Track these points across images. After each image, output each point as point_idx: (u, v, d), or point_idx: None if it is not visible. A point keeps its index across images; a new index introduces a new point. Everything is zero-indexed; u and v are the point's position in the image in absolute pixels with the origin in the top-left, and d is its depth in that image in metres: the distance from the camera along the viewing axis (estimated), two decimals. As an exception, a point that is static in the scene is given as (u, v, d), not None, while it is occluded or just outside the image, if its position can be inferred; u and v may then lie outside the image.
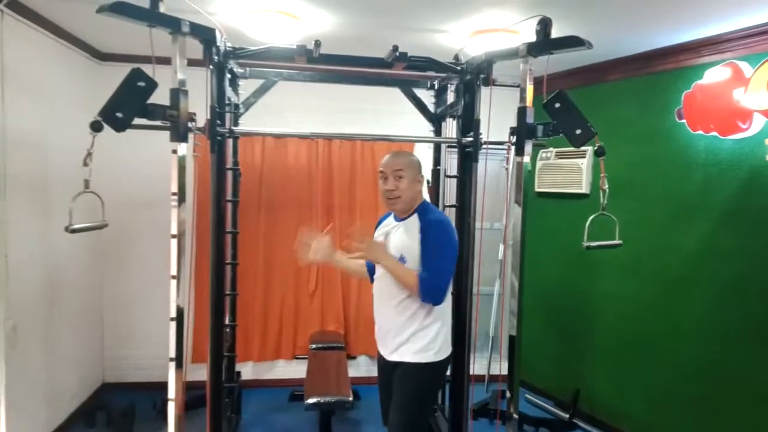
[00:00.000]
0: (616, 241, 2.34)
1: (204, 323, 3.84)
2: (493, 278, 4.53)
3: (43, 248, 3.16)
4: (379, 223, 2.49)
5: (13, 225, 2.79)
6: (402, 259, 2.22)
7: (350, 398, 2.77)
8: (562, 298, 4.17)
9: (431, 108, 3.43)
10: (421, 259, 2.19)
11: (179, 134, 2.18)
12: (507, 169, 2.56)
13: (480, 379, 4.40)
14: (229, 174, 2.95)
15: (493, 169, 4.60)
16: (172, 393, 2.22)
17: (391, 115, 4.12)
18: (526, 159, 2.40)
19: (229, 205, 3.08)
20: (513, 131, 2.43)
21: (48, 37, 3.16)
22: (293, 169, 4.20)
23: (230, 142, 3.07)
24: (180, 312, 2.19)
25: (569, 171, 3.93)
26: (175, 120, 2.15)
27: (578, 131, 2.23)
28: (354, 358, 4.37)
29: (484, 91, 2.67)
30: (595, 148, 2.23)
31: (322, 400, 2.73)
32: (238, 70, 3.10)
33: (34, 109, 3.04)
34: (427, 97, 3.46)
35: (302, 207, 4.22)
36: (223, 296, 2.72)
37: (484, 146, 2.71)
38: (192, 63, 2.18)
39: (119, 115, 2.00)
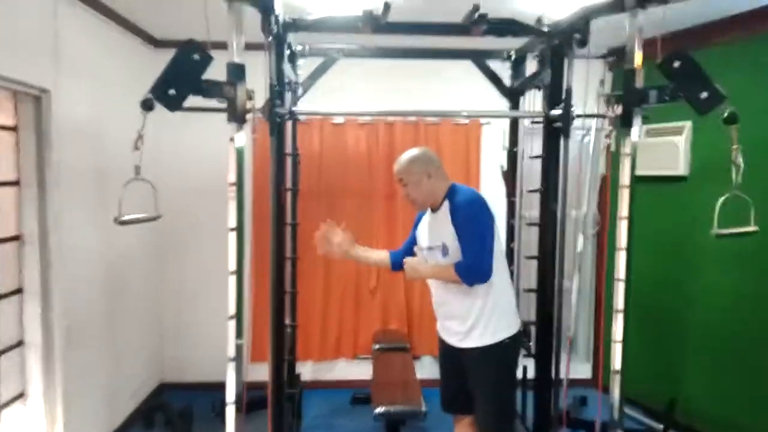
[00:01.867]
0: (751, 227, 1.93)
1: (263, 321, 3.67)
2: (569, 273, 4.12)
3: (100, 242, 3.03)
4: (418, 218, 2.42)
5: (67, 217, 2.66)
6: (444, 248, 2.18)
7: (423, 408, 2.48)
8: (655, 294, 3.72)
9: (507, 82, 3.08)
10: (459, 245, 2.12)
11: (236, 115, 1.94)
12: (609, 143, 2.18)
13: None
14: (289, 160, 2.71)
15: (572, 152, 4.20)
16: (230, 395, 2.01)
17: (461, 95, 3.76)
18: (634, 133, 2.02)
19: (289, 195, 2.85)
20: (613, 99, 2.06)
21: (103, 22, 3.02)
22: (353, 155, 3.94)
23: (289, 125, 2.83)
24: (239, 310, 1.97)
25: (663, 150, 3.47)
26: (233, 99, 1.92)
27: (704, 95, 1.84)
28: (418, 358, 4.08)
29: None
30: (725, 115, 1.83)
31: (392, 410, 2.46)
32: (297, 47, 2.86)
33: (88, 95, 2.90)
34: (502, 71, 3.10)
35: (362, 196, 3.96)
36: (283, 293, 2.49)
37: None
38: (248, 47, 1.93)
39: (172, 92, 1.78)
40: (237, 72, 1.92)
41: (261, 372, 3.60)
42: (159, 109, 1.79)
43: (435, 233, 2.23)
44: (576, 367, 4.23)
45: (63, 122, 2.59)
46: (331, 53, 2.86)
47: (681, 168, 3.37)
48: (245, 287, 2.06)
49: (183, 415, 3.39)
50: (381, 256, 2.49)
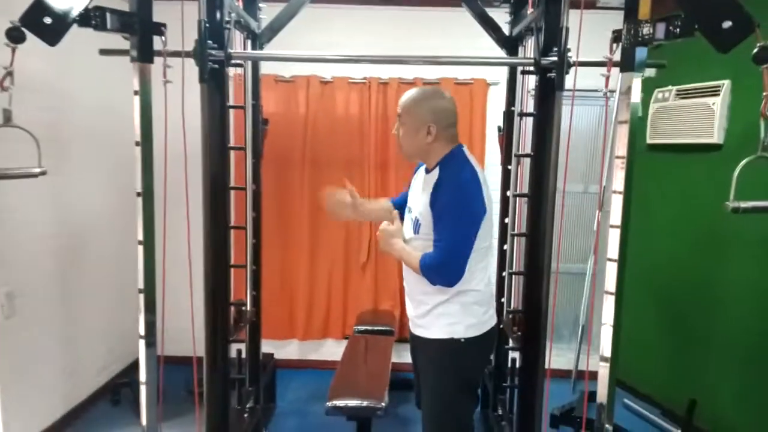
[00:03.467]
0: (782, 201, 1.48)
1: (269, 297, 3.42)
2: (585, 255, 3.68)
3: (51, 205, 2.79)
4: (415, 172, 2.03)
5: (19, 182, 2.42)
6: (416, 223, 1.84)
7: (382, 404, 2.15)
8: (679, 283, 3.25)
9: (506, 30, 2.63)
10: (433, 231, 1.77)
11: (142, 52, 1.63)
12: (607, 96, 1.74)
13: (565, 375, 3.62)
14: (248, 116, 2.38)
15: (591, 118, 3.72)
16: (143, 374, 1.78)
17: (458, 50, 3.34)
18: (636, 82, 1.58)
19: (248, 158, 2.52)
20: (616, 36, 1.63)
21: None
22: (342, 119, 3.58)
23: (246, 77, 2.48)
24: (149, 282, 1.71)
25: (696, 114, 2.95)
26: (134, 30, 1.60)
27: (726, 24, 1.38)
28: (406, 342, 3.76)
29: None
30: (755, 51, 1.37)
31: (348, 404, 2.14)
32: (256, -12, 2.51)
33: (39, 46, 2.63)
34: (501, 17, 2.66)
35: (352, 164, 3.60)
36: (225, 267, 2.18)
37: (578, 91, 1.89)
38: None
39: (48, 20, 1.46)
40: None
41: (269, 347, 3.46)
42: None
43: (416, 199, 1.88)
44: (591, 360, 3.80)
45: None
46: (295, -5, 2.49)
47: (716, 135, 2.85)
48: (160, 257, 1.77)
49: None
50: (384, 207, 2.11)
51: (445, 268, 1.72)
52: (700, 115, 2.92)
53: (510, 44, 2.61)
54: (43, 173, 1.54)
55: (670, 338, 3.30)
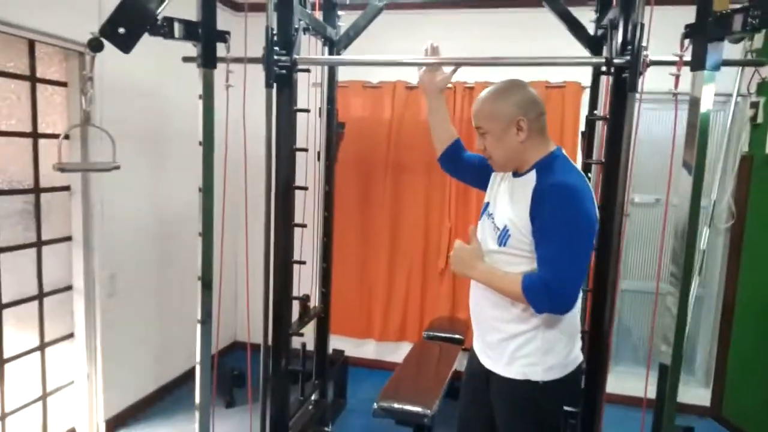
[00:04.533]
0: None
1: (341, 294, 3.54)
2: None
3: (152, 198, 3.11)
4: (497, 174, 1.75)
5: (121, 174, 2.73)
6: (504, 234, 1.54)
7: (429, 412, 2.10)
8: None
9: (591, 29, 2.46)
10: (534, 247, 1.47)
11: (206, 58, 1.76)
12: (675, 95, 1.56)
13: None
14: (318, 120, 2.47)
15: (669, 123, 3.32)
16: (198, 356, 1.90)
17: (549, 51, 3.18)
18: (708, 78, 1.40)
19: (321, 160, 2.61)
20: (688, 32, 1.45)
21: None
22: (425, 124, 3.54)
23: (322, 81, 2.57)
24: (206, 273, 1.84)
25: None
26: (199, 38, 1.73)
27: (814, 13, 1.18)
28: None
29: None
30: None
31: (395, 407, 2.13)
32: (336, -5, 2.58)
33: (136, 51, 2.95)
34: (586, 16, 2.48)
35: (433, 169, 3.57)
36: (288, 262, 2.27)
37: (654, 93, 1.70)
38: None
39: (122, 30, 1.63)
40: (206, 8, 1.73)
41: (337, 344, 3.58)
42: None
43: (503, 205, 1.59)
44: (690, 391, 3.43)
45: (108, 79, 2.64)
46: (372, 1, 2.52)
47: None
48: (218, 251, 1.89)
49: (236, 377, 3.40)
50: (450, 133, 1.96)
51: (558, 291, 1.41)
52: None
53: (594, 44, 2.43)
54: (116, 168, 1.71)
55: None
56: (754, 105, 3.05)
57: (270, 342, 2.25)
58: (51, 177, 2.58)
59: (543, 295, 1.42)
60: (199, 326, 1.91)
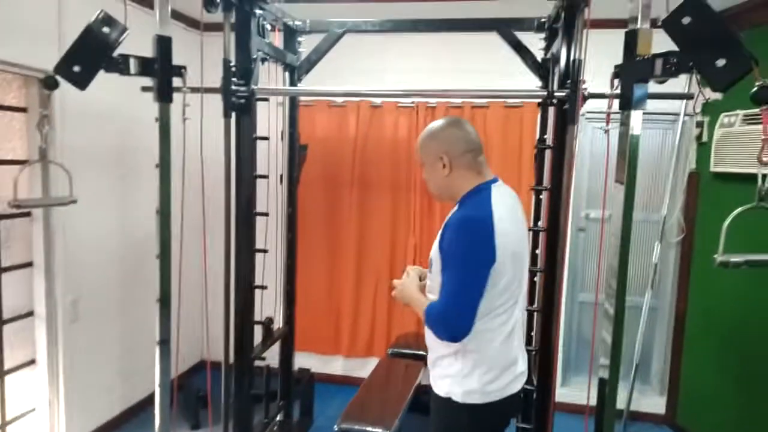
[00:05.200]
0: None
1: (308, 311, 3.58)
2: (640, 287, 3.43)
3: (115, 222, 3.10)
4: None
5: (84, 199, 2.73)
6: (431, 262, 1.65)
7: (390, 431, 2.17)
8: (749, 326, 2.94)
9: (540, 57, 2.57)
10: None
11: (161, 94, 1.80)
12: (606, 131, 1.66)
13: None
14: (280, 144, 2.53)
15: (653, 142, 3.49)
16: (157, 379, 1.92)
17: (508, 71, 3.29)
18: (635, 117, 1.50)
19: (284, 182, 2.66)
20: (617, 72, 1.56)
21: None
22: (390, 142, 3.65)
23: (284, 107, 2.63)
24: (164, 293, 1.87)
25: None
26: (155, 73, 1.77)
27: (721, 62, 1.28)
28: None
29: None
30: (753, 90, 1.26)
31: (356, 428, 2.18)
32: (296, 22, 2.65)
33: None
34: (537, 43, 2.59)
35: (399, 187, 3.66)
36: (250, 288, 2.32)
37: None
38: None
39: (77, 69, 1.67)
40: (162, 45, 1.77)
41: (305, 361, 3.62)
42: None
43: (437, 239, 1.65)
44: (646, 399, 3.55)
45: (68, 104, 2.65)
46: (332, 28, 2.60)
47: (783, 165, 2.58)
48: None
49: (200, 397, 3.40)
50: None
51: (446, 321, 1.50)
52: (765, 143, 2.65)
53: (543, 71, 2.54)
54: (73, 202, 1.74)
55: (738, 386, 2.98)
56: (700, 124, 3.21)
57: (233, 365, 2.29)
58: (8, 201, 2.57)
59: (435, 322, 1.54)
60: (157, 348, 1.93)
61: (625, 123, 1.52)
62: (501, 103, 3.47)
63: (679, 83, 1.48)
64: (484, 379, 1.59)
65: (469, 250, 1.50)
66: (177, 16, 3.42)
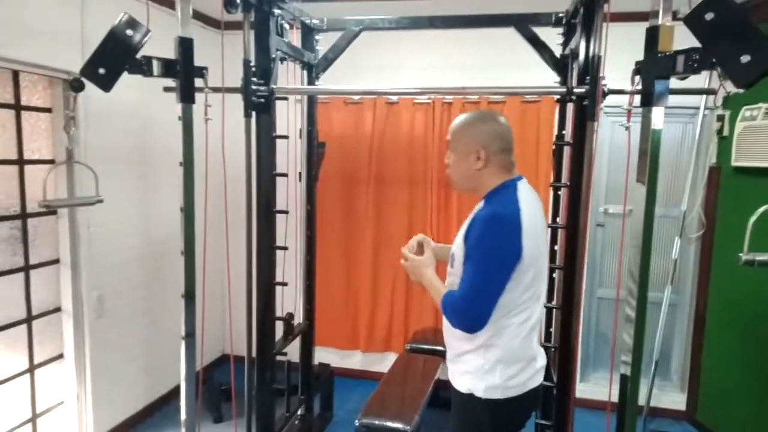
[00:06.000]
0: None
1: (327, 307, 3.63)
2: (661, 283, 3.41)
3: (139, 219, 3.16)
4: None
5: (107, 198, 2.78)
6: (452, 256, 1.69)
7: (410, 427, 2.19)
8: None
9: (559, 53, 2.55)
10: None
11: (184, 93, 1.83)
12: (627, 128, 1.65)
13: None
14: (299, 142, 2.55)
15: (673, 136, 3.45)
16: (182, 372, 1.95)
17: (527, 65, 3.27)
18: (656, 113, 1.49)
19: (302, 180, 2.69)
20: (638, 69, 1.55)
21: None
22: (406, 138, 3.66)
23: (302, 105, 2.65)
24: (190, 289, 1.90)
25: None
26: (178, 74, 1.80)
27: (746, 58, 1.27)
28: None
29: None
30: (779, 86, 1.25)
31: (375, 423, 2.21)
32: (313, 21, 2.67)
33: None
34: (554, 38, 2.58)
35: (416, 183, 3.67)
36: (271, 284, 2.35)
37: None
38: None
39: (102, 71, 1.70)
40: (184, 47, 1.80)
41: (324, 355, 3.67)
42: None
43: (460, 233, 1.68)
44: (666, 395, 3.54)
45: (93, 102, 2.70)
46: (349, 26, 2.61)
47: (808, 159, 2.55)
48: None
49: (224, 392, 3.46)
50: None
51: (464, 310, 1.53)
52: (789, 137, 2.62)
53: (561, 66, 2.53)
54: (99, 201, 1.78)
55: (758, 382, 2.96)
56: (720, 118, 3.16)
57: (255, 360, 2.33)
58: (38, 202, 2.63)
59: (451, 312, 1.56)
60: (183, 342, 1.96)
61: (645, 120, 1.51)
62: (518, 98, 3.46)
63: (700, 77, 1.46)
64: (506, 374, 1.61)
65: (496, 245, 1.52)
66: (194, 14, 3.45)
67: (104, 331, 2.92)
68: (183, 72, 1.80)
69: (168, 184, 3.34)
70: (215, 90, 1.93)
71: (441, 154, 3.58)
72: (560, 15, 2.45)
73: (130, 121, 3.05)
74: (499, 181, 1.65)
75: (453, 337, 1.69)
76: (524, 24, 2.49)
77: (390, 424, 2.20)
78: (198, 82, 1.87)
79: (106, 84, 1.71)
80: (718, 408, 3.24)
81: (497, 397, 1.61)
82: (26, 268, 2.63)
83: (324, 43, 2.74)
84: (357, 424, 2.22)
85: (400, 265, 3.78)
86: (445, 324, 1.71)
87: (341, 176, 3.75)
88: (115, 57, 1.70)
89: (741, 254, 1.30)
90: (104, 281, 2.90)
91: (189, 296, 1.93)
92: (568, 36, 2.47)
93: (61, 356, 2.85)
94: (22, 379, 2.64)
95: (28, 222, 2.62)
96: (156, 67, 1.77)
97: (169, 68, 1.80)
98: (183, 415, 1.99)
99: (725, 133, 3.13)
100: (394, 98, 3.60)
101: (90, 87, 1.73)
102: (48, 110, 2.70)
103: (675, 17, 1.46)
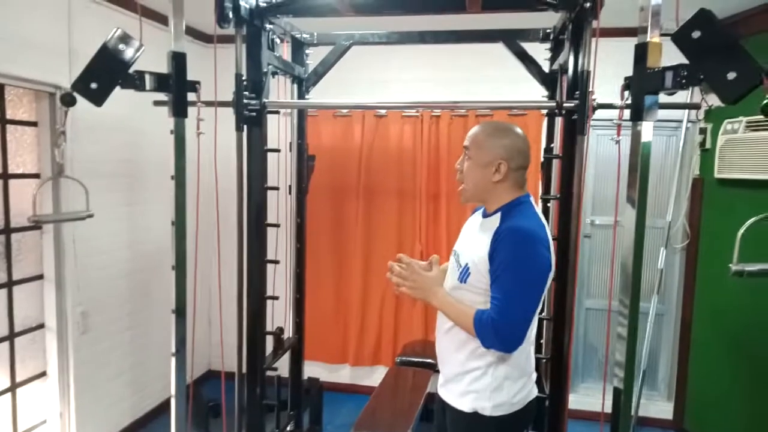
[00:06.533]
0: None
1: (315, 321, 3.60)
2: (647, 293, 3.45)
3: (125, 234, 3.12)
4: (473, 214, 1.85)
5: (83, 208, 2.75)
6: (465, 271, 1.61)
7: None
8: (755, 331, 2.96)
9: (546, 67, 2.59)
10: (490, 285, 1.55)
11: (177, 107, 1.82)
12: (617, 142, 1.68)
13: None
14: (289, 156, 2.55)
15: (657, 148, 3.51)
16: (173, 388, 1.92)
17: (517, 79, 3.30)
18: (645, 128, 1.52)
19: (292, 193, 2.69)
20: (627, 84, 1.58)
21: (120, 13, 2.92)
22: (395, 151, 3.67)
23: (291, 118, 2.66)
24: (180, 303, 1.88)
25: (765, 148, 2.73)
26: (170, 88, 1.80)
27: (732, 75, 1.31)
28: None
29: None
30: (765, 101, 1.28)
31: (368, 438, 2.19)
32: (304, 35, 2.68)
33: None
34: (542, 53, 2.62)
35: (405, 195, 3.68)
36: (261, 298, 2.33)
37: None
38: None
39: (94, 86, 1.69)
40: (177, 61, 1.80)
41: (312, 370, 3.64)
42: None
43: (468, 244, 1.67)
44: (653, 405, 3.57)
45: (81, 116, 2.67)
46: (339, 40, 2.63)
47: (788, 171, 2.62)
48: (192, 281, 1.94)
49: (212, 408, 3.41)
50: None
51: (505, 330, 1.48)
52: (768, 150, 2.69)
53: (549, 80, 2.57)
54: (89, 216, 1.75)
55: (750, 393, 2.99)
56: (703, 131, 3.23)
57: (245, 375, 2.30)
58: (22, 216, 2.59)
59: (490, 332, 1.49)
60: (173, 358, 1.93)
61: (635, 134, 1.54)
62: (505, 111, 3.50)
63: (682, 91, 1.50)
64: (512, 389, 1.61)
65: (529, 262, 1.50)
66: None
67: (89, 347, 2.86)
68: (176, 86, 1.79)
69: (156, 197, 3.31)
70: (208, 104, 1.93)
71: (430, 166, 3.60)
72: (548, 31, 2.49)
73: (118, 134, 3.02)
74: (512, 196, 1.64)
75: (458, 354, 1.64)
76: (512, 39, 2.53)
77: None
78: (190, 96, 1.87)
79: (98, 99, 1.69)
80: (705, 417, 3.27)
81: (503, 413, 1.60)
82: (9, 284, 2.57)
83: (314, 57, 2.75)
84: (349, 439, 2.20)
85: (388, 278, 3.80)
86: (445, 340, 1.69)
87: (331, 189, 3.75)
88: (107, 72, 1.69)
89: (731, 265, 1.32)
90: (89, 296, 2.85)
91: (179, 312, 1.91)
92: (555, 51, 2.51)
93: (44, 374, 2.78)
94: (3, 398, 2.57)
95: (12, 237, 2.57)
96: (149, 81, 1.76)
97: (161, 83, 1.79)
98: (173, 431, 1.96)
99: (708, 145, 3.20)
100: (383, 111, 3.62)
101: (78, 100, 1.72)
102: (34, 124, 2.66)
103: (661, 33, 1.50)
